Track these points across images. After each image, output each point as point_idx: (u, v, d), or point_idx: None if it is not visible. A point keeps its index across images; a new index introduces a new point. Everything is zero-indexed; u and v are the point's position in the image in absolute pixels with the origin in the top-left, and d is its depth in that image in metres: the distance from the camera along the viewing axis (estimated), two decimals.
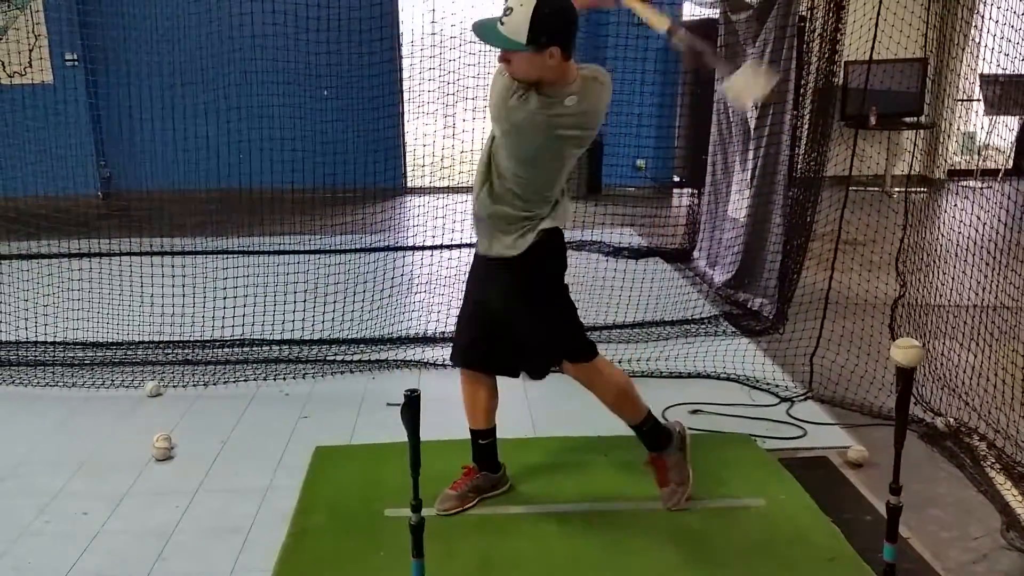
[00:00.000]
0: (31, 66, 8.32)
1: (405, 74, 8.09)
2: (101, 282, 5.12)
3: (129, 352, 4.46)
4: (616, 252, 6.44)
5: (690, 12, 8.59)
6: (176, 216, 7.49)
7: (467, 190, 8.41)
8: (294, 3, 6.21)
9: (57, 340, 4.58)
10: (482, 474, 2.97)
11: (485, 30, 2.42)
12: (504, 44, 2.40)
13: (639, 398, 2.91)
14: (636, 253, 6.42)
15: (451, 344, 3.00)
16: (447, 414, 3.70)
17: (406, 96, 8.24)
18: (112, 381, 4.09)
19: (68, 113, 8.12)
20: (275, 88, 7.19)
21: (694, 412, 3.68)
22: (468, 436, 3.48)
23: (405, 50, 8.07)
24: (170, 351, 4.49)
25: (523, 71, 2.45)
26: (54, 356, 4.42)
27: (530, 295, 2.73)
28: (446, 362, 4.31)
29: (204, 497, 3.09)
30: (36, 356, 4.41)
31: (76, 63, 8.33)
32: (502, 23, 2.38)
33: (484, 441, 2.96)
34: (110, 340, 4.57)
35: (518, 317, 2.75)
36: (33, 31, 8.29)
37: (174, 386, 4.07)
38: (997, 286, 3.63)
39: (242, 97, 7.21)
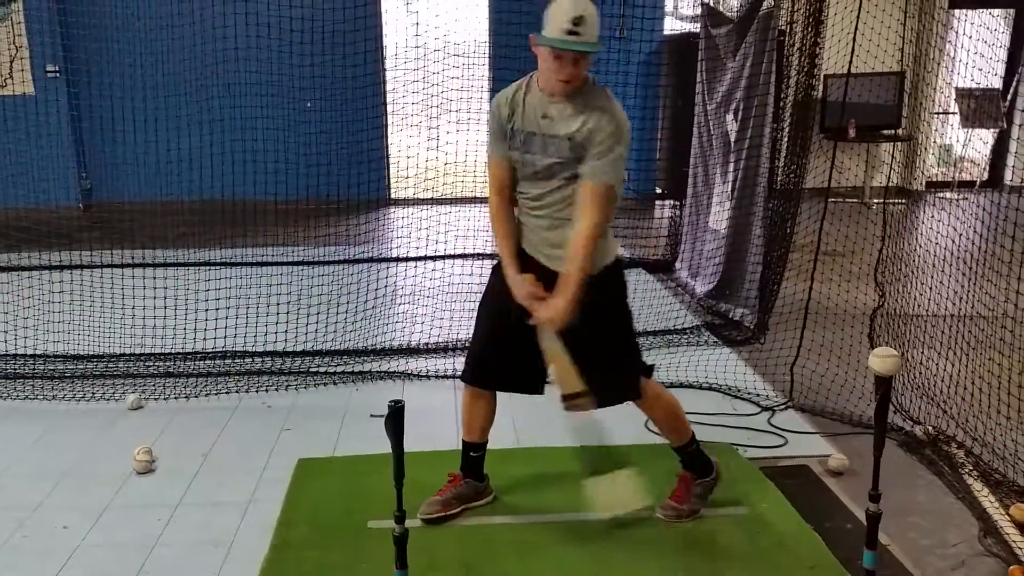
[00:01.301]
0: (12, 77, 8.27)
1: (389, 86, 8.12)
2: (82, 294, 5.08)
3: (110, 365, 4.43)
4: None
5: (671, 26, 8.67)
6: (158, 228, 7.45)
7: (451, 201, 8.45)
8: (277, 15, 6.22)
9: (37, 353, 4.54)
10: (466, 481, 2.98)
11: (574, 43, 2.44)
12: (598, 48, 2.49)
13: (687, 421, 2.95)
14: None
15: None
16: (431, 425, 3.72)
17: (390, 108, 8.27)
18: (93, 394, 4.06)
19: (49, 125, 8.07)
20: (258, 100, 7.18)
21: None
22: (452, 447, 3.49)
23: (389, 63, 8.09)
24: (151, 363, 4.46)
25: (584, 75, 2.56)
26: (34, 369, 4.38)
27: (611, 311, 2.76)
28: (429, 373, 4.33)
29: (186, 510, 3.07)
30: (15, 369, 4.37)
31: (58, 74, 8.29)
32: (580, 35, 2.43)
33: (475, 454, 2.97)
34: (91, 353, 4.54)
35: (603, 333, 2.71)
36: (14, 42, 8.24)
37: (155, 399, 4.04)
38: (973, 296, 3.69)
39: (225, 109, 7.20)
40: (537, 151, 2.62)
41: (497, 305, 2.77)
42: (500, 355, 2.81)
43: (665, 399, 2.92)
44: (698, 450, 2.97)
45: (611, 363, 2.75)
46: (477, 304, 2.91)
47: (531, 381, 2.83)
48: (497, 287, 2.77)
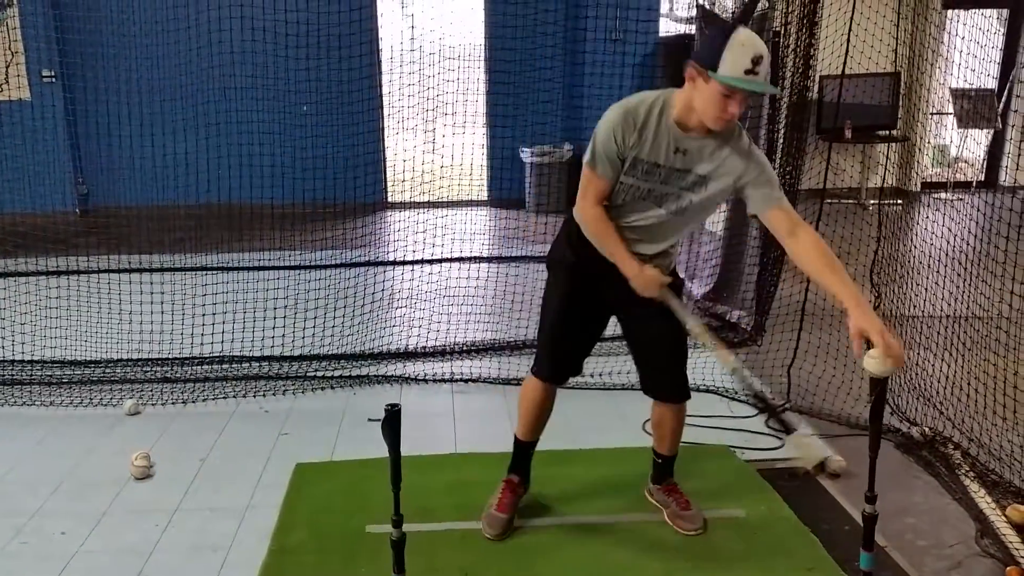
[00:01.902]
0: (7, 83, 8.26)
1: (385, 89, 8.12)
2: (79, 300, 5.09)
3: (107, 370, 4.43)
4: None
5: (665, 28, 8.68)
6: (154, 232, 7.45)
7: (448, 205, 8.45)
8: (273, 19, 6.23)
9: (35, 359, 4.53)
10: (525, 488, 2.99)
11: (758, 84, 2.39)
12: (775, 89, 2.57)
13: None
14: None
15: (535, 358, 2.92)
16: (428, 429, 3.73)
17: (386, 111, 8.27)
18: (90, 399, 4.06)
19: (45, 130, 8.07)
20: (254, 104, 7.19)
21: None
22: (449, 451, 3.50)
23: (385, 66, 8.09)
24: (149, 369, 4.46)
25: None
26: (31, 375, 4.37)
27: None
28: (427, 377, 4.33)
29: (184, 516, 3.07)
30: (13, 375, 4.36)
31: (53, 79, 8.28)
32: (759, 73, 2.36)
33: (532, 452, 3.00)
34: (88, 358, 4.54)
35: (675, 331, 2.75)
36: (10, 48, 8.23)
37: (153, 404, 4.04)
38: (969, 296, 3.70)
39: (221, 113, 7.21)
40: (656, 182, 2.56)
41: (572, 301, 2.78)
42: (584, 347, 2.85)
43: (686, 408, 2.96)
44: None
45: (679, 357, 2.85)
46: (541, 302, 2.89)
47: (579, 368, 2.92)
48: (567, 285, 2.79)
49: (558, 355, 2.86)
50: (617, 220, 2.64)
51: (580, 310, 2.79)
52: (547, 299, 2.87)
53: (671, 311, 2.69)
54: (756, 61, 2.33)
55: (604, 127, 2.52)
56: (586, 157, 2.60)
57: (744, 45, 2.34)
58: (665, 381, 2.85)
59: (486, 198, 8.86)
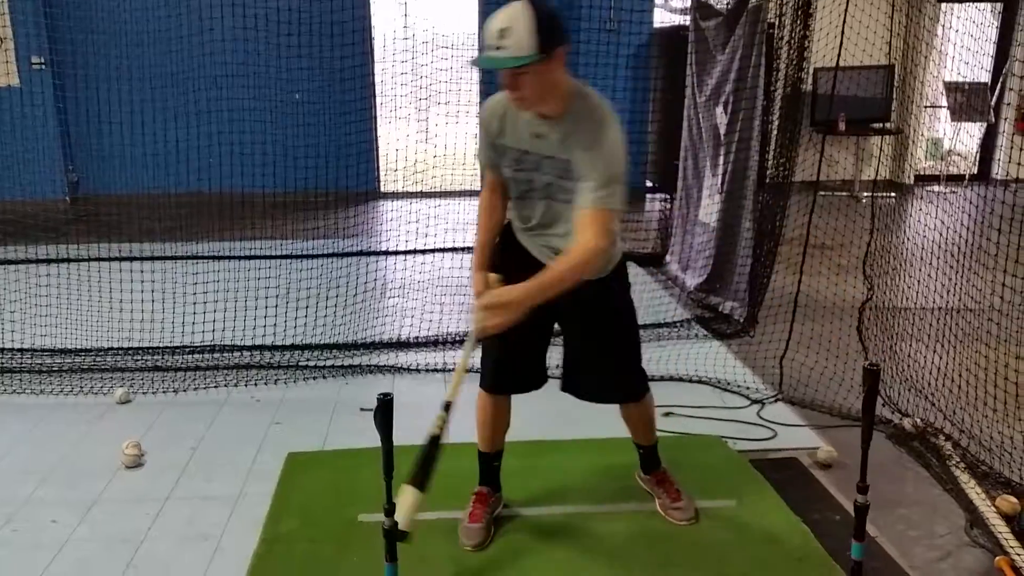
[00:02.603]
0: None
1: (378, 78, 8.09)
2: (69, 288, 5.06)
3: (98, 358, 4.40)
4: None
5: (660, 19, 8.66)
6: (145, 220, 7.41)
7: (440, 194, 8.44)
8: (264, 6, 6.18)
9: (24, 347, 4.51)
10: (496, 496, 2.93)
11: (492, 60, 2.26)
12: (521, 61, 2.23)
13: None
14: None
15: (477, 363, 2.83)
16: (420, 419, 3.70)
17: (379, 100, 8.24)
18: (80, 388, 4.04)
19: (35, 117, 8.01)
20: (246, 92, 7.14)
21: (666, 414, 3.71)
22: (442, 441, 3.49)
23: (378, 54, 8.06)
24: (139, 357, 4.44)
25: (537, 89, 2.31)
26: (21, 363, 4.35)
27: (620, 310, 2.74)
28: (419, 366, 4.33)
29: (174, 504, 3.06)
30: (3, 363, 4.34)
31: (43, 66, 8.21)
32: (501, 47, 2.23)
33: (497, 463, 2.94)
34: (78, 347, 4.51)
35: (609, 332, 2.71)
36: None
37: (143, 392, 4.02)
38: (961, 289, 3.71)
39: (212, 101, 7.16)
40: (531, 169, 2.50)
41: None
42: (519, 357, 2.77)
43: (651, 402, 2.93)
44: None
45: (613, 362, 2.76)
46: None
47: (541, 376, 2.84)
48: None
49: (493, 366, 2.78)
50: (527, 232, 2.62)
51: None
52: None
53: (608, 315, 2.67)
54: (501, 34, 2.22)
55: (480, 118, 2.56)
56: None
57: (490, 20, 2.27)
58: (602, 386, 2.78)
59: (479, 188, 8.82)
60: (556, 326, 2.80)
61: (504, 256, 2.68)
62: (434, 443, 2.40)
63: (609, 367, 2.77)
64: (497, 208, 2.70)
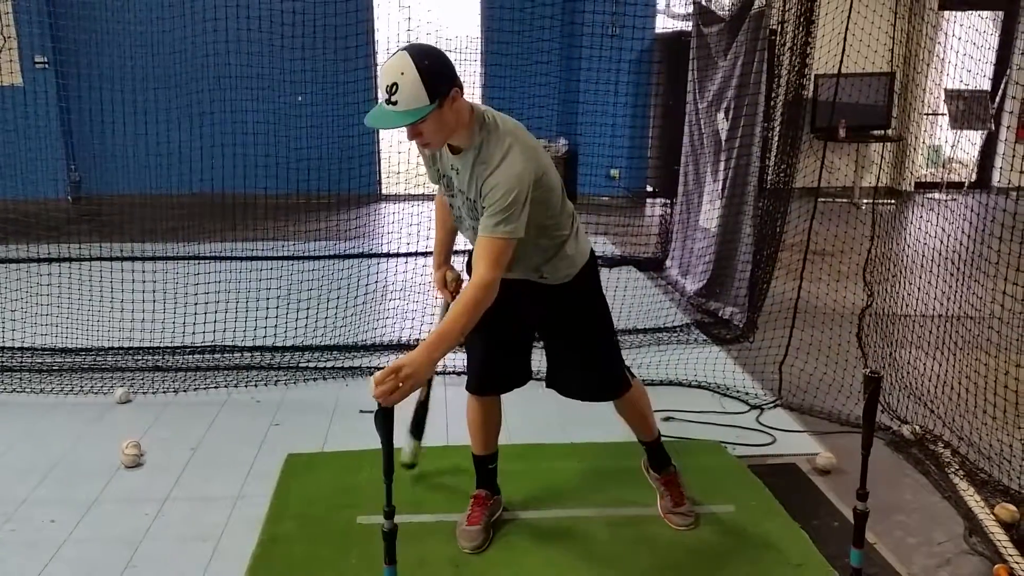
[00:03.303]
0: None
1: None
2: (70, 287, 5.06)
3: (98, 358, 4.41)
4: None
5: (662, 24, 8.68)
6: (147, 221, 7.42)
7: None
8: (268, 9, 6.20)
9: (25, 346, 4.51)
10: (496, 498, 2.93)
11: (384, 118, 2.23)
12: (413, 116, 2.20)
13: (653, 416, 2.99)
14: (609, 262, 6.46)
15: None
16: None
17: None
18: (81, 387, 4.04)
19: (38, 116, 8.02)
20: (249, 93, 7.16)
21: (666, 419, 3.71)
22: (441, 443, 3.50)
23: (381, 57, 8.07)
24: (140, 357, 4.44)
25: (439, 133, 2.32)
26: (22, 362, 4.35)
27: (590, 309, 2.74)
28: None
29: (174, 505, 3.06)
30: (3, 362, 4.34)
31: (46, 66, 8.23)
32: (393, 103, 2.20)
33: (492, 465, 2.94)
34: (79, 346, 4.52)
35: (582, 333, 2.72)
36: (2, 33, 8.17)
37: (143, 392, 4.03)
38: (961, 296, 3.72)
39: (215, 102, 7.17)
40: (458, 202, 2.51)
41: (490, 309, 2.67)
42: (502, 356, 2.78)
43: (640, 397, 2.93)
44: (662, 442, 3.03)
45: (592, 362, 2.76)
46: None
47: (525, 374, 2.85)
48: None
49: (482, 364, 2.80)
50: (468, 244, 2.59)
51: (491, 324, 2.56)
52: None
53: (579, 317, 2.70)
54: (388, 90, 2.20)
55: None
56: None
57: (381, 74, 2.22)
58: (583, 383, 2.80)
59: None
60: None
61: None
62: (422, 407, 3.00)
63: (587, 365, 2.77)
64: (444, 210, 2.73)
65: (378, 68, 2.27)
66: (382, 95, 2.26)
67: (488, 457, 2.93)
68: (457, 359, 4.46)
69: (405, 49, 2.24)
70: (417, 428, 2.98)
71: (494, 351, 2.76)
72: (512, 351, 2.79)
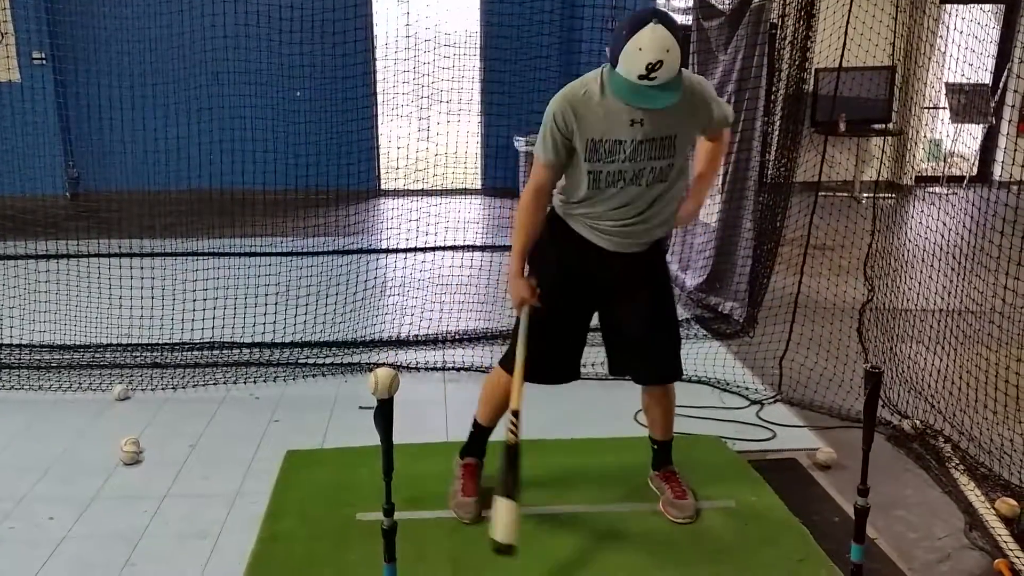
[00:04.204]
0: None
1: (379, 76, 8.08)
2: (68, 284, 5.05)
3: (97, 355, 4.40)
4: None
5: None
6: (145, 217, 7.41)
7: (441, 193, 8.41)
8: (267, 3, 6.17)
9: (23, 343, 4.50)
10: (480, 463, 2.98)
11: (664, 96, 2.35)
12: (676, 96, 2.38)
13: None
14: None
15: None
16: (420, 417, 3.72)
17: (380, 98, 8.23)
18: (79, 384, 4.04)
19: (35, 112, 8.00)
20: (247, 89, 7.13)
21: None
22: (441, 440, 3.50)
23: (379, 52, 8.05)
24: (139, 354, 4.43)
25: None
26: (20, 359, 4.34)
27: (667, 278, 2.83)
28: (419, 365, 4.32)
29: (173, 502, 3.05)
30: (1, 359, 4.33)
31: (44, 62, 8.21)
32: (653, 78, 2.30)
33: (488, 436, 2.99)
34: (77, 343, 4.51)
35: (668, 308, 2.79)
36: (0, 28, 8.15)
37: (142, 389, 4.02)
38: (962, 290, 3.70)
39: (213, 97, 7.15)
40: (623, 161, 2.50)
41: (554, 302, 2.68)
42: (561, 351, 2.79)
43: (675, 393, 2.95)
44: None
45: (672, 328, 2.82)
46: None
47: (576, 370, 2.86)
48: (548, 285, 2.68)
49: (537, 357, 2.72)
50: (598, 207, 2.59)
51: (561, 315, 2.70)
52: None
53: (659, 290, 2.74)
54: (652, 67, 2.27)
55: (548, 114, 2.52)
56: (535, 147, 2.59)
57: (642, 49, 2.27)
58: (660, 362, 2.80)
59: (480, 187, 8.83)
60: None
61: (562, 255, 2.70)
62: (513, 452, 2.48)
63: (673, 339, 2.82)
64: (542, 213, 2.68)
65: (639, 44, 2.30)
66: (639, 69, 2.29)
67: (492, 430, 2.96)
68: (457, 356, 4.46)
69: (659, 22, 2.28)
70: (510, 483, 2.43)
71: (555, 343, 2.75)
72: (571, 344, 2.81)
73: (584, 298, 2.73)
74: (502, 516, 2.36)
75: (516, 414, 2.52)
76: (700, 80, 2.60)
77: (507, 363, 2.79)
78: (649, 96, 2.33)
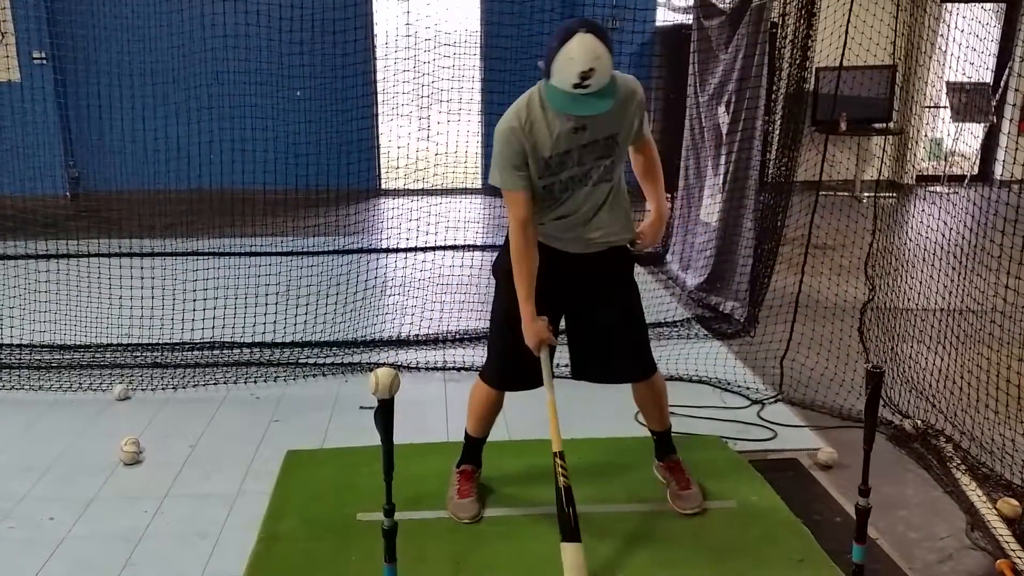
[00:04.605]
0: None
1: (379, 76, 8.07)
2: (69, 284, 5.05)
3: (97, 355, 4.40)
4: None
5: (663, 17, 8.64)
6: (145, 217, 7.40)
7: (441, 192, 8.43)
8: (267, 3, 6.17)
9: (23, 343, 4.50)
10: (478, 471, 3.03)
11: (597, 103, 2.36)
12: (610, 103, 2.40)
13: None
14: None
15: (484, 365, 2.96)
16: (420, 417, 3.71)
17: (380, 97, 8.22)
18: (79, 384, 4.03)
19: (36, 112, 8.00)
20: (247, 88, 7.13)
21: None
22: (441, 439, 3.50)
23: (379, 52, 8.04)
24: (139, 354, 4.43)
25: None
26: (20, 359, 4.34)
27: (632, 282, 2.85)
28: (419, 364, 4.32)
29: (173, 502, 3.05)
30: (2, 359, 4.33)
31: (44, 61, 8.20)
32: (590, 85, 2.31)
33: (483, 444, 3.03)
34: (78, 343, 4.51)
35: (633, 307, 2.81)
36: (0, 28, 8.15)
37: (143, 389, 4.02)
38: (963, 290, 3.70)
39: (213, 97, 7.15)
40: (572, 168, 2.57)
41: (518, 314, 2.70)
42: (528, 360, 2.77)
43: (662, 382, 3.01)
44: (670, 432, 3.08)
45: (638, 331, 2.85)
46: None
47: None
48: (511, 293, 2.70)
49: (505, 365, 2.84)
50: (549, 216, 2.66)
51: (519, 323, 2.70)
52: (496, 309, 2.85)
53: (623, 290, 2.79)
54: (584, 75, 2.28)
55: (498, 143, 2.54)
56: (495, 180, 2.60)
57: (573, 59, 2.27)
58: (622, 362, 2.85)
59: (480, 186, 8.83)
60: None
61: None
62: (567, 494, 2.51)
63: (637, 338, 2.85)
64: (535, 251, 2.66)
65: (570, 53, 2.33)
66: (572, 78, 2.30)
67: (484, 439, 3.01)
68: (457, 355, 4.46)
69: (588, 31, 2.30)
70: (571, 525, 2.46)
71: (521, 349, 2.73)
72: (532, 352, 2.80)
73: (550, 302, 2.72)
74: (571, 560, 2.43)
75: (562, 456, 2.57)
76: (634, 82, 2.59)
77: (486, 375, 2.90)
78: (586, 104, 2.35)
